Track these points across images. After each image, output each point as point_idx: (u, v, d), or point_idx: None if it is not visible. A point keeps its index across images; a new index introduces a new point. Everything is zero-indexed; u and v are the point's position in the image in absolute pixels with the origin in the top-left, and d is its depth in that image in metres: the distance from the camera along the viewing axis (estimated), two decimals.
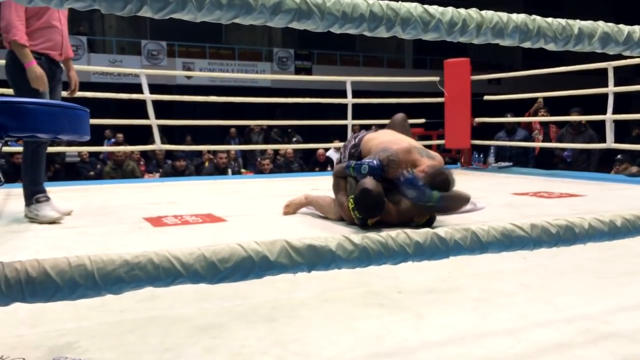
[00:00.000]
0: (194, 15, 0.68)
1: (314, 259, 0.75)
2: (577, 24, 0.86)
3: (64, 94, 3.27)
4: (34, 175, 2.95)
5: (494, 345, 1.30)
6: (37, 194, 2.92)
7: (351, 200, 2.66)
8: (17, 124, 0.62)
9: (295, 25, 0.72)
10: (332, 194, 2.98)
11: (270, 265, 0.72)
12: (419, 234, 0.81)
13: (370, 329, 1.40)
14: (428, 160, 2.69)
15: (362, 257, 0.77)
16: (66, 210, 3.10)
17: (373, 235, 0.81)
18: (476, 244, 0.84)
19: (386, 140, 2.87)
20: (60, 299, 0.66)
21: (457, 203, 2.59)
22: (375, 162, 2.65)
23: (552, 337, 1.34)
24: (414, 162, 2.66)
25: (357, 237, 0.80)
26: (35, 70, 2.83)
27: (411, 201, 2.59)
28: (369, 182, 2.57)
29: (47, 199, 2.95)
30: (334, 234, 0.80)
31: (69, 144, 7.09)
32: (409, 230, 0.82)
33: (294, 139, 10.74)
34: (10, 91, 4.19)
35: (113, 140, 9.77)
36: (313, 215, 3.10)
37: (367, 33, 0.77)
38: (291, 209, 3.17)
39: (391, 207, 2.66)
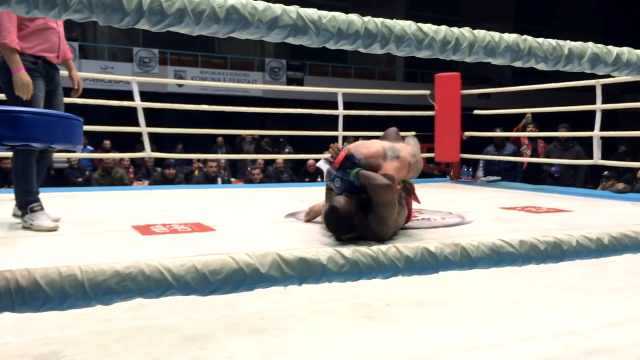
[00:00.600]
0: (191, 29, 0.69)
1: (305, 272, 0.75)
2: (567, 45, 0.88)
3: (67, 100, 3.24)
4: (26, 184, 2.88)
5: (481, 359, 1.30)
6: (31, 204, 2.87)
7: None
8: (11, 133, 0.62)
9: (291, 40, 0.73)
10: None
11: (262, 277, 0.72)
12: (409, 249, 0.81)
13: (358, 342, 1.40)
14: (390, 164, 2.71)
15: (353, 271, 0.77)
16: (55, 218, 3.05)
17: (364, 249, 0.81)
18: (465, 260, 0.85)
19: (358, 144, 2.89)
20: (50, 309, 0.66)
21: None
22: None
23: (539, 352, 1.35)
24: (376, 167, 2.68)
25: (348, 250, 0.80)
26: (22, 77, 2.73)
27: (341, 191, 2.64)
28: (338, 200, 2.60)
29: (42, 207, 2.91)
30: (325, 247, 0.80)
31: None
32: (399, 245, 0.82)
33: (286, 150, 10.73)
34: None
35: (90, 148, 9.65)
36: (306, 225, 3.10)
37: (361, 49, 0.78)
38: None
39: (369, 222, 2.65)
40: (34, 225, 2.84)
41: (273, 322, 1.53)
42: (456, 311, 1.67)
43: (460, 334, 1.47)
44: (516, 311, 1.68)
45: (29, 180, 2.89)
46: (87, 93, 3.23)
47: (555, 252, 0.93)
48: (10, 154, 5.64)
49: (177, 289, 0.68)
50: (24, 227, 2.86)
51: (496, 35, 0.82)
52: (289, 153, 10.18)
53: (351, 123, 6.34)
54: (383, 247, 0.82)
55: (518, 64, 0.87)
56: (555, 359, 1.31)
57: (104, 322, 1.50)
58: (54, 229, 2.84)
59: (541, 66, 0.89)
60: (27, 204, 2.86)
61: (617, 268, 2.17)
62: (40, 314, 1.28)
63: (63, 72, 3.20)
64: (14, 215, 3.04)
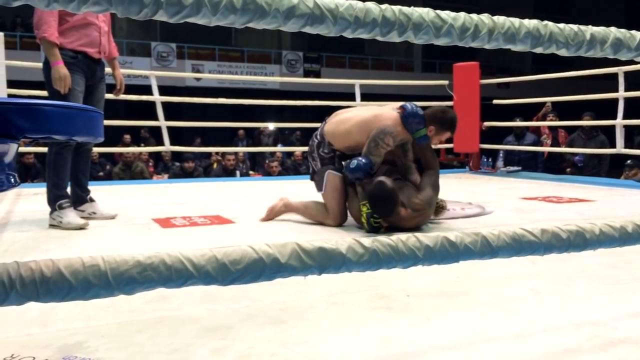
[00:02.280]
0: (208, 20, 0.69)
1: (325, 261, 0.75)
2: (589, 30, 0.86)
3: (109, 95, 3.25)
4: (57, 178, 2.83)
5: (502, 350, 1.29)
6: (60, 200, 2.81)
7: (365, 205, 2.63)
8: (33, 125, 0.62)
9: (308, 29, 0.73)
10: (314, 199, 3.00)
11: (281, 267, 0.72)
12: (429, 238, 0.81)
13: (378, 332, 1.40)
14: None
15: (373, 261, 0.77)
16: (110, 214, 3.08)
17: (383, 238, 0.81)
18: (486, 249, 0.84)
19: (362, 116, 2.86)
20: (74, 298, 0.67)
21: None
22: (364, 159, 2.66)
23: (561, 343, 1.34)
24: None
25: (368, 240, 0.80)
26: (60, 70, 2.74)
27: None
28: (384, 177, 2.59)
29: (70, 204, 2.85)
30: (344, 237, 0.80)
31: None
32: (419, 234, 0.82)
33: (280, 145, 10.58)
34: (21, 92, 4.24)
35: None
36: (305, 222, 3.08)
37: (379, 38, 0.77)
38: (270, 217, 3.09)
39: (401, 211, 2.63)
40: (63, 223, 2.77)
41: (293, 313, 1.54)
42: (477, 302, 1.66)
43: (481, 325, 1.46)
44: (538, 302, 1.66)
45: (60, 175, 2.84)
46: (107, 88, 3.24)
47: (578, 241, 0.92)
48: (32, 149, 5.73)
49: (198, 278, 0.68)
50: (52, 226, 2.80)
51: (516, 21, 0.81)
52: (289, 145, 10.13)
53: None
54: (402, 237, 0.81)
55: (539, 50, 0.85)
56: (577, 349, 1.30)
57: (126, 313, 1.52)
58: (83, 227, 2.78)
59: (562, 52, 0.87)
60: (55, 200, 2.81)
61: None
62: (64, 305, 1.31)
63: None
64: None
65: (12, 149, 0.64)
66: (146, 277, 0.66)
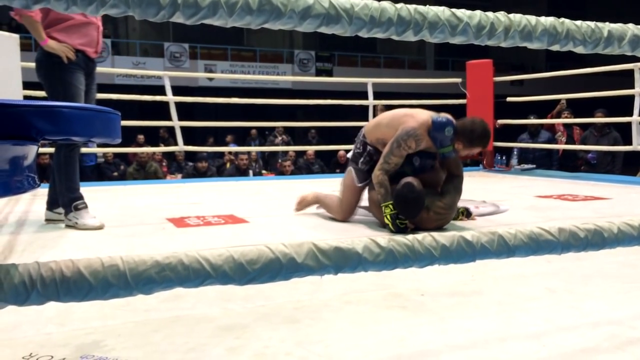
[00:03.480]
0: (224, 21, 0.69)
1: (341, 261, 0.75)
2: (606, 27, 0.85)
3: (100, 95, 3.22)
4: (70, 181, 2.83)
5: (518, 349, 1.29)
6: (76, 201, 2.81)
7: (387, 206, 2.63)
8: (52, 128, 0.63)
9: (323, 29, 0.73)
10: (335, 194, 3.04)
11: (298, 267, 0.72)
12: (445, 237, 0.81)
13: (393, 332, 1.40)
14: None
15: (389, 260, 0.77)
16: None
17: (399, 238, 0.81)
18: (503, 248, 0.84)
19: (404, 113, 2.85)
20: (94, 298, 0.68)
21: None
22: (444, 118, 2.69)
23: (578, 342, 1.33)
24: None
25: (384, 239, 0.80)
26: (52, 45, 2.69)
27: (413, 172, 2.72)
28: (411, 178, 2.59)
29: (86, 205, 2.85)
30: (360, 237, 0.80)
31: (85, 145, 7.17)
32: (435, 233, 0.81)
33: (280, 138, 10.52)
34: (37, 93, 4.27)
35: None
36: (326, 216, 3.10)
37: (395, 37, 0.77)
38: (302, 206, 3.21)
39: (424, 213, 2.64)
40: (79, 224, 2.78)
41: (307, 312, 1.54)
42: (492, 301, 1.65)
43: (497, 324, 1.45)
44: (554, 301, 1.65)
45: (72, 177, 2.84)
46: (121, 89, 3.27)
47: (596, 240, 0.91)
48: (47, 149, 5.78)
49: (215, 278, 0.69)
50: (68, 226, 2.82)
51: (532, 18, 0.80)
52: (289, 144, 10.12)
53: None
54: (419, 236, 0.81)
55: (555, 47, 0.85)
56: (595, 349, 1.29)
57: (142, 312, 1.53)
58: (100, 228, 2.79)
59: (579, 49, 0.86)
60: (70, 202, 2.80)
61: None
62: (81, 305, 1.32)
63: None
64: (47, 220, 2.96)
65: (32, 151, 0.65)
66: (164, 277, 0.66)
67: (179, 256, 0.68)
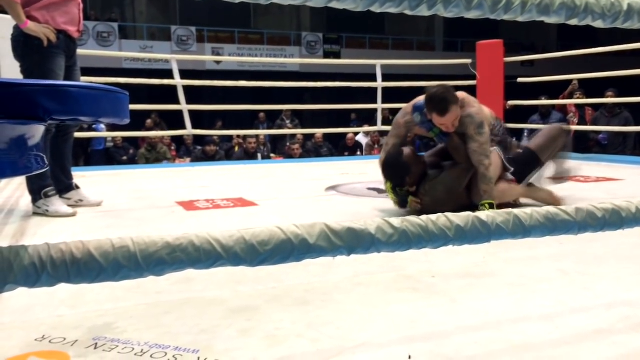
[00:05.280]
0: None
1: (353, 242, 0.74)
2: (626, 0, 0.82)
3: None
4: (60, 167, 2.78)
5: (531, 330, 1.28)
6: (45, 188, 2.67)
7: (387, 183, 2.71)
8: (60, 107, 0.62)
9: (335, 4, 0.71)
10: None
11: (310, 248, 0.71)
12: (459, 218, 0.79)
13: (404, 313, 1.39)
14: None
15: (402, 241, 0.76)
16: (96, 202, 2.98)
17: (413, 218, 0.79)
18: (519, 228, 0.82)
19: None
20: (104, 280, 0.67)
21: None
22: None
23: (592, 324, 1.31)
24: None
25: (397, 220, 0.79)
26: (32, 28, 2.53)
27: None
28: (406, 148, 2.68)
29: (56, 192, 2.73)
30: (372, 218, 0.79)
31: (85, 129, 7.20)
32: (449, 214, 0.80)
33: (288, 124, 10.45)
34: None
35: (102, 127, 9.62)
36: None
37: (408, 12, 0.75)
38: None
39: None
40: (50, 212, 2.65)
41: (318, 294, 1.54)
42: (504, 282, 1.64)
43: (509, 305, 1.44)
44: (566, 282, 1.64)
45: (60, 163, 2.78)
46: (129, 73, 3.24)
47: (614, 220, 0.89)
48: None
49: (226, 259, 0.68)
50: (36, 215, 2.66)
51: None
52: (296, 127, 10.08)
53: (390, 95, 6.25)
54: (433, 217, 0.80)
55: (574, 22, 0.82)
56: (609, 330, 1.27)
57: (153, 294, 1.53)
58: (72, 215, 2.67)
59: (598, 24, 0.84)
60: (40, 189, 2.67)
61: None
62: (93, 287, 1.32)
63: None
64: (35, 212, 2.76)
65: (39, 131, 0.64)
66: (175, 258, 0.65)
67: (190, 237, 0.67)
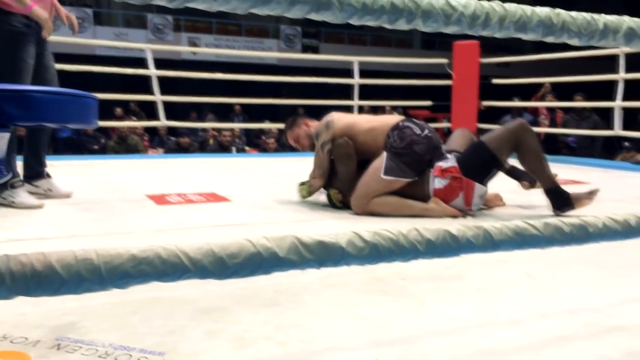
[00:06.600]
0: (209, 5, 0.66)
1: (324, 255, 0.74)
2: (602, 19, 0.83)
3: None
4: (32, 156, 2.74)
5: (497, 336, 1.29)
6: (12, 179, 2.59)
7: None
8: (23, 113, 0.60)
9: (313, 16, 0.70)
10: None
11: (279, 261, 0.71)
12: (430, 232, 0.79)
13: (373, 316, 1.40)
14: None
15: (373, 254, 0.76)
16: (66, 192, 2.91)
17: (384, 232, 0.79)
18: (488, 242, 0.83)
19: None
20: (66, 293, 0.65)
21: None
22: None
23: (556, 329, 1.34)
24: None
25: (368, 233, 0.79)
26: (39, 12, 2.49)
27: None
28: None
29: (23, 183, 2.68)
30: (344, 230, 0.78)
31: None
32: (420, 227, 0.80)
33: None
34: None
35: None
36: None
37: (387, 25, 0.74)
38: None
39: None
40: (16, 203, 2.59)
41: (288, 295, 1.53)
42: (472, 286, 1.66)
43: (477, 310, 1.46)
44: (533, 287, 1.66)
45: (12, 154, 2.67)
46: (102, 60, 3.17)
47: (580, 234, 0.90)
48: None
49: (194, 272, 0.67)
50: (2, 205, 2.60)
51: (528, 9, 0.78)
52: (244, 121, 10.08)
53: (367, 92, 6.27)
54: (404, 230, 0.80)
55: (550, 39, 0.83)
56: (572, 336, 1.30)
57: (120, 293, 1.47)
58: (39, 207, 2.62)
59: (574, 41, 0.84)
60: (6, 180, 2.58)
61: (636, 244, 2.13)
62: None
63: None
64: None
65: (3, 139, 0.62)
66: (140, 271, 0.64)
67: (156, 250, 0.65)
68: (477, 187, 2.63)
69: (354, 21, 0.73)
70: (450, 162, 2.65)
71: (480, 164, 2.65)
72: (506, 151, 2.62)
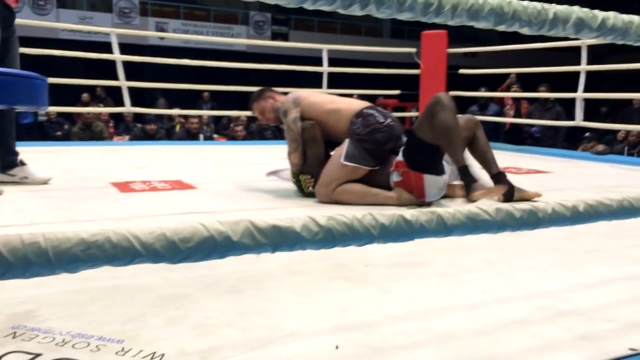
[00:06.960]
0: None
1: (278, 239, 0.74)
2: (552, 9, 0.85)
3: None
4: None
5: (455, 320, 1.32)
6: None
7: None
8: None
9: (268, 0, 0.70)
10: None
11: (233, 245, 0.71)
12: (384, 216, 0.81)
13: (335, 302, 1.41)
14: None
15: (327, 239, 0.77)
16: (42, 178, 2.88)
17: (338, 216, 0.80)
18: (441, 227, 0.85)
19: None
20: (12, 277, 0.64)
21: None
22: None
23: (512, 314, 1.37)
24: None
25: (323, 218, 0.79)
26: None
27: None
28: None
29: None
30: (299, 215, 0.79)
31: None
32: (374, 212, 0.81)
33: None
34: None
35: None
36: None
37: (340, 10, 0.75)
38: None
39: None
40: None
41: (251, 282, 1.54)
42: (434, 272, 1.69)
43: (437, 295, 1.49)
44: (492, 273, 1.70)
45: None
46: (65, 44, 3.09)
47: (531, 220, 0.93)
48: None
49: (145, 256, 0.66)
50: None
51: None
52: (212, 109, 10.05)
53: (336, 80, 6.27)
54: (358, 215, 0.81)
55: (502, 27, 0.84)
56: (527, 320, 1.33)
57: (79, 281, 1.48)
58: None
59: (525, 30, 0.86)
60: None
61: (590, 231, 2.18)
62: None
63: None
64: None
65: None
66: (90, 255, 0.63)
67: (106, 234, 0.65)
68: (427, 177, 2.55)
69: (308, 5, 0.74)
70: (399, 156, 2.60)
71: (418, 153, 2.55)
72: (426, 128, 2.48)
